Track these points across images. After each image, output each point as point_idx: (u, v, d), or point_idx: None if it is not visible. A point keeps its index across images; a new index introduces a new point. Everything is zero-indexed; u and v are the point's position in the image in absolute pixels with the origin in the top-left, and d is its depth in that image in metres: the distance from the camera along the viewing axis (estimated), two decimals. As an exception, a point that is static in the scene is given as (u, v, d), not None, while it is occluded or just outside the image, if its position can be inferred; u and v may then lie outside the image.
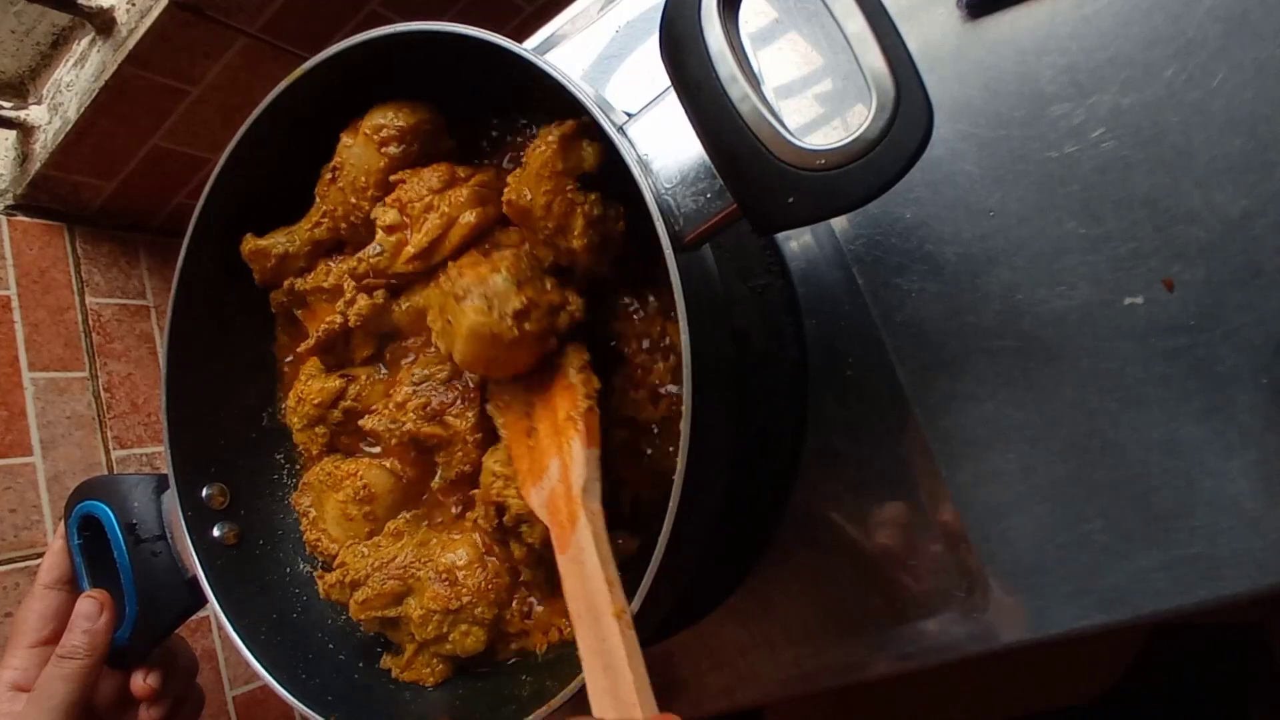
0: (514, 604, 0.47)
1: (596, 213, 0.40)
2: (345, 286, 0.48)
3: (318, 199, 0.50)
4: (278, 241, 0.51)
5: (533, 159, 0.41)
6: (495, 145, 0.51)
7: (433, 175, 0.46)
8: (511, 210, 0.42)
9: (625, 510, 0.44)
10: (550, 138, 0.40)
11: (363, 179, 0.47)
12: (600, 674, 0.34)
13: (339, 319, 0.48)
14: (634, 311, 0.44)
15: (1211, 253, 0.39)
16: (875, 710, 0.82)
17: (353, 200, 0.48)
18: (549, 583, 0.45)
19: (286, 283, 0.51)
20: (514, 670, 0.47)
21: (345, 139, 0.48)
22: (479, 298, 0.39)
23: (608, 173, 0.39)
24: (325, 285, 0.50)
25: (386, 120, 0.46)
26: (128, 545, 0.50)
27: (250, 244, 0.51)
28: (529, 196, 0.41)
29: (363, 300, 0.48)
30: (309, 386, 0.50)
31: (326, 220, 0.50)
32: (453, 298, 0.39)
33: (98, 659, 0.47)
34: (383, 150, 0.46)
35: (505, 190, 0.42)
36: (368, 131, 0.47)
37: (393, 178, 0.47)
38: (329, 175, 0.49)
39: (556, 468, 0.40)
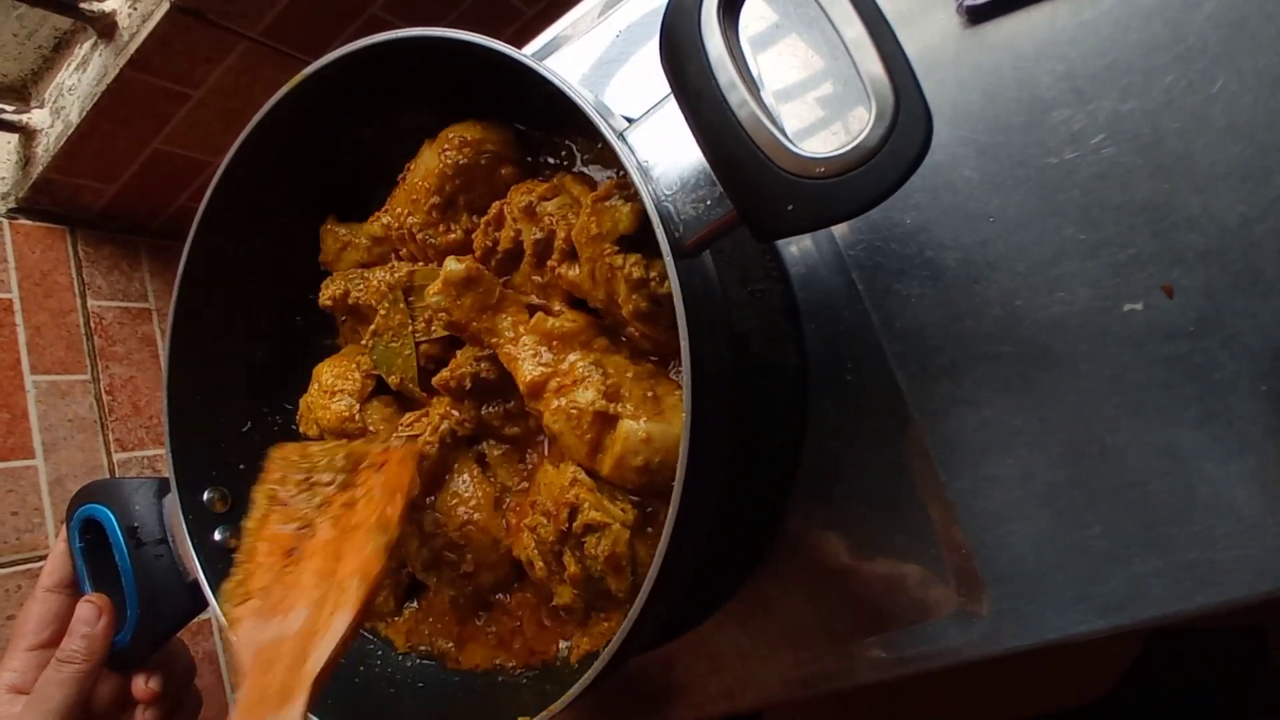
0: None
1: (637, 275, 0.38)
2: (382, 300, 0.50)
3: (389, 202, 0.51)
4: (351, 244, 0.53)
5: (575, 226, 0.40)
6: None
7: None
8: (567, 285, 0.42)
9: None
10: (584, 203, 0.39)
11: (420, 181, 0.48)
12: None
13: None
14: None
15: (1211, 259, 0.39)
16: (875, 714, 0.82)
17: (412, 200, 0.49)
18: (586, 612, 0.45)
19: (338, 290, 0.52)
20: (514, 675, 0.47)
21: (425, 147, 0.49)
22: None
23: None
24: (374, 299, 0.51)
25: (454, 134, 0.47)
26: (129, 549, 0.50)
27: (331, 227, 0.53)
28: (576, 270, 0.41)
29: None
30: (327, 409, 0.51)
31: (386, 218, 0.51)
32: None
33: (96, 663, 0.47)
34: (442, 155, 0.47)
35: (559, 267, 0.42)
36: (439, 141, 0.48)
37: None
38: (401, 175, 0.50)
39: (299, 622, 0.34)
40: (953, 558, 0.44)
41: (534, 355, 0.42)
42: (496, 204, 0.46)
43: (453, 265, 0.43)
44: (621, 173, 0.38)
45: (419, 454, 0.44)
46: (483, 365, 0.45)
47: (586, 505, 0.40)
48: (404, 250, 0.51)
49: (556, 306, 0.44)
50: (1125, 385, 0.41)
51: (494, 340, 0.43)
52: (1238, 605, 0.38)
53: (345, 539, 0.36)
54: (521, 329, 0.43)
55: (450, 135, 0.47)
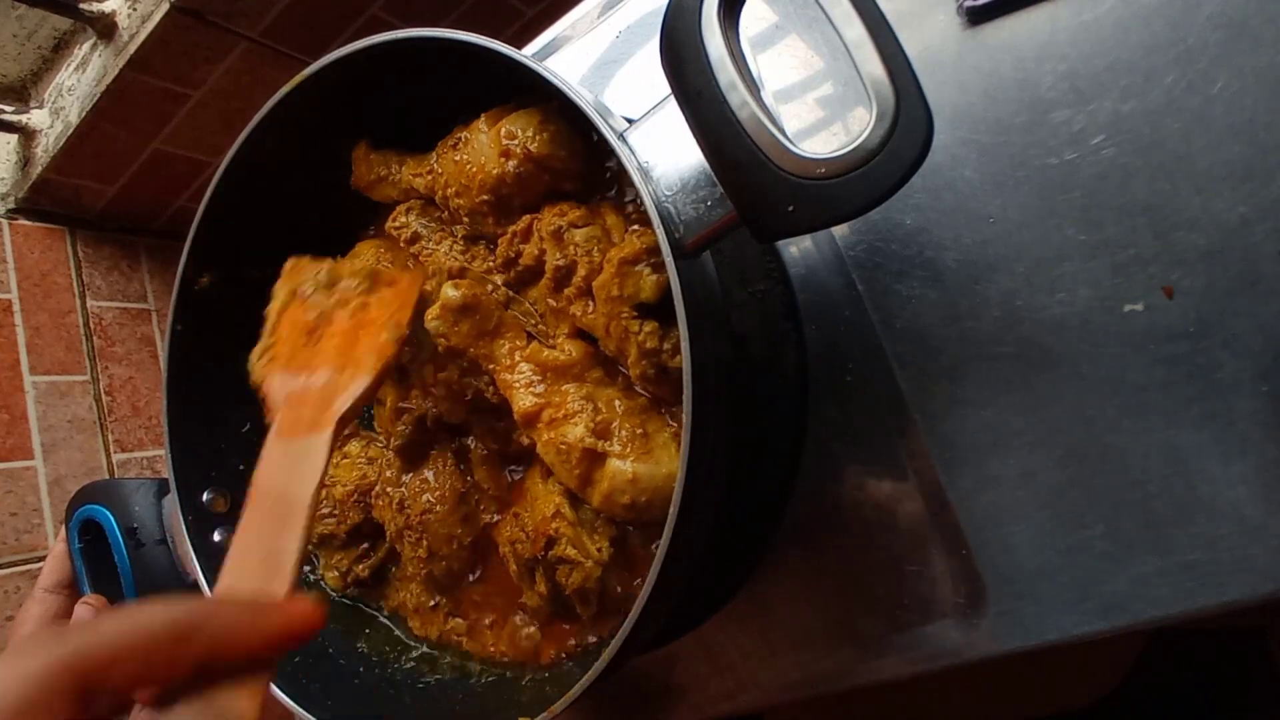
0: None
1: (650, 345, 0.38)
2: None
3: (435, 156, 0.48)
4: (390, 165, 0.51)
5: (603, 271, 0.39)
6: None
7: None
8: (582, 325, 0.42)
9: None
10: (610, 259, 0.39)
11: (473, 169, 0.45)
12: (255, 559, 0.32)
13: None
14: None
15: (1211, 259, 0.39)
16: (875, 714, 0.82)
17: (461, 183, 0.46)
18: (554, 618, 0.46)
19: None
20: (514, 675, 0.47)
21: (482, 122, 0.45)
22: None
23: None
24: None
25: (519, 132, 0.43)
26: (128, 549, 0.50)
27: (363, 149, 0.52)
28: (592, 315, 0.41)
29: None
30: None
31: (429, 179, 0.49)
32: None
33: None
34: (501, 158, 0.44)
35: (574, 305, 0.42)
36: (500, 133, 0.44)
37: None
38: (453, 141, 0.47)
39: (324, 379, 0.39)
40: (953, 558, 0.44)
41: (529, 385, 0.42)
42: (527, 218, 0.45)
43: (450, 291, 0.43)
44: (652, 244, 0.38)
45: (424, 279, 0.46)
46: (486, 383, 0.45)
47: (564, 540, 0.41)
48: (445, 214, 0.49)
49: (558, 336, 0.44)
50: (1126, 386, 0.41)
51: (491, 367, 0.43)
52: (1239, 606, 0.38)
53: (361, 328, 0.41)
54: (519, 355, 0.43)
55: (514, 138, 0.43)
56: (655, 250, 0.38)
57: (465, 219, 0.47)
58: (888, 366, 0.46)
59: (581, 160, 0.45)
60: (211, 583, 0.48)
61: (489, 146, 0.44)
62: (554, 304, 0.44)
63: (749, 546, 0.50)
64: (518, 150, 0.43)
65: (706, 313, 0.36)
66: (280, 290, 0.44)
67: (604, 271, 0.39)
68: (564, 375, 0.42)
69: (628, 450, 0.39)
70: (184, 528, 0.49)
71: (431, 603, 0.50)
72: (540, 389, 0.42)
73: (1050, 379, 0.42)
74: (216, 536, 0.50)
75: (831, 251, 0.48)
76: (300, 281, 0.44)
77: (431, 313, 0.44)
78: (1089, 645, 0.41)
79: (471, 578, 0.50)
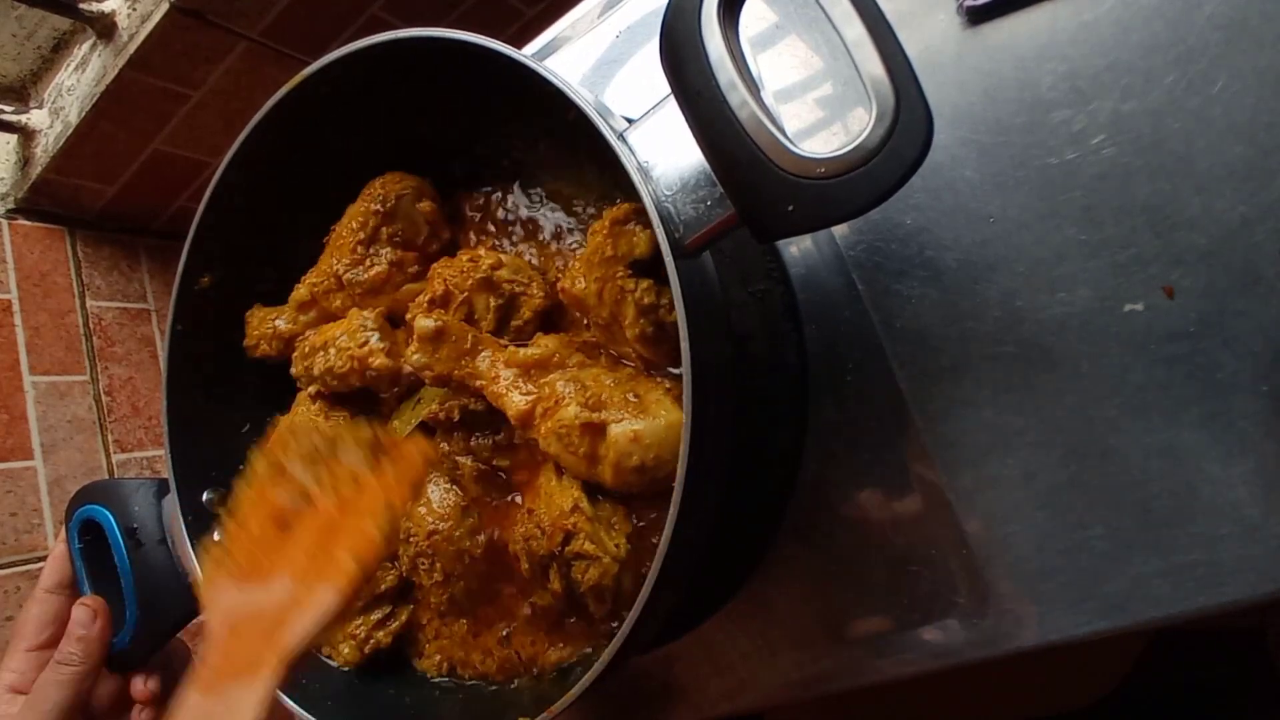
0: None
1: (648, 301, 0.39)
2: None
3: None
4: (276, 316, 0.54)
5: (587, 244, 0.41)
6: (495, 171, 0.52)
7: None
8: (567, 298, 0.43)
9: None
10: (602, 222, 0.40)
11: (344, 226, 0.52)
12: None
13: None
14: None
15: (1212, 259, 0.39)
16: (876, 715, 0.82)
17: (337, 250, 0.52)
18: (560, 618, 0.46)
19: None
20: (513, 675, 0.47)
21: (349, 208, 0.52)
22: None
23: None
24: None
25: (374, 183, 0.51)
26: (128, 549, 0.50)
27: (256, 313, 0.54)
28: (582, 284, 0.41)
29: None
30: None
31: (310, 279, 0.53)
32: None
33: (93, 665, 0.47)
34: (364, 196, 0.51)
35: (561, 279, 0.43)
36: (362, 192, 0.51)
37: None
38: (327, 238, 0.53)
39: (281, 594, 0.32)
40: (954, 558, 0.44)
41: (516, 387, 0.43)
42: (439, 281, 0.48)
43: (423, 322, 0.44)
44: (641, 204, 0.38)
45: (435, 456, 0.45)
46: (470, 399, 0.46)
47: (582, 535, 0.40)
48: (336, 303, 0.52)
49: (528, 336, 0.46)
50: (1126, 386, 0.41)
51: (479, 383, 0.44)
52: (1239, 606, 0.38)
53: (346, 518, 0.35)
54: (500, 365, 0.44)
55: (371, 183, 0.51)
56: (642, 211, 0.38)
57: (345, 278, 0.51)
58: (888, 366, 0.46)
59: (431, 187, 0.52)
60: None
61: (353, 207, 0.52)
62: (504, 340, 0.46)
63: (749, 546, 0.50)
64: (375, 187, 0.51)
65: (706, 312, 0.36)
66: (260, 462, 0.38)
67: (595, 236, 0.40)
68: (545, 368, 0.43)
69: (623, 414, 0.39)
70: (184, 528, 0.49)
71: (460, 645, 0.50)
72: (528, 387, 0.42)
73: (1051, 379, 0.42)
74: (216, 536, 0.50)
75: (831, 251, 0.48)
76: (289, 452, 0.37)
77: (412, 348, 0.44)
78: (1089, 645, 0.41)
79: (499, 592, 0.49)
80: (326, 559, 0.33)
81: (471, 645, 0.49)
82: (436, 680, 0.49)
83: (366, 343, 0.48)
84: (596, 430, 0.39)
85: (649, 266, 0.39)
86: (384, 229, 0.51)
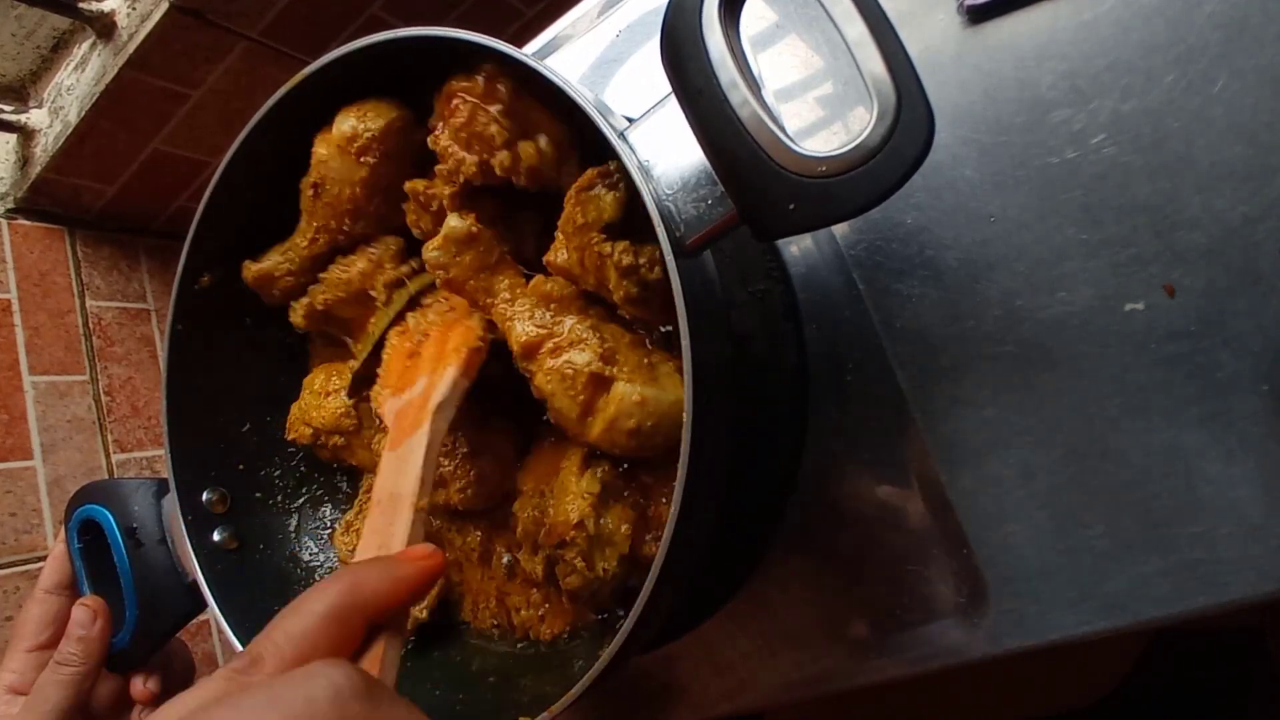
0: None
1: (627, 261, 0.38)
2: (374, 288, 0.49)
3: (304, 215, 0.49)
4: (278, 263, 0.50)
5: (561, 215, 0.40)
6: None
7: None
8: (556, 271, 0.42)
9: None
10: (570, 192, 0.39)
11: (347, 191, 0.47)
12: (373, 549, 0.36)
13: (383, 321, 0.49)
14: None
15: (1212, 259, 0.39)
16: (876, 714, 0.82)
17: (346, 209, 0.48)
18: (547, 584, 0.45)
19: (305, 302, 0.50)
20: (514, 674, 0.47)
21: (319, 149, 0.47)
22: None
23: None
24: (345, 295, 0.49)
25: (357, 128, 0.45)
26: (128, 549, 0.50)
27: (251, 270, 0.50)
28: (565, 256, 0.41)
29: (399, 295, 0.48)
30: (322, 409, 0.51)
31: (322, 235, 0.49)
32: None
33: (93, 665, 0.47)
34: (361, 160, 0.46)
35: (546, 254, 0.42)
36: (340, 143, 0.46)
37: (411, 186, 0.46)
38: (311, 191, 0.48)
39: (422, 384, 0.43)
40: (954, 558, 0.44)
41: (530, 316, 0.42)
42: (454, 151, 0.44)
43: (455, 222, 0.43)
44: (605, 166, 0.39)
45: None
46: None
47: (575, 550, 0.40)
48: (343, 238, 0.50)
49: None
50: (1127, 385, 0.41)
51: (489, 300, 0.43)
52: (1240, 606, 0.38)
53: (450, 327, 0.45)
54: (519, 291, 0.43)
55: (355, 131, 0.45)
56: (608, 173, 0.39)
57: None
58: (888, 366, 0.46)
59: (412, 115, 0.47)
60: (211, 584, 0.48)
61: (341, 163, 0.46)
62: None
63: (749, 546, 0.50)
64: (365, 140, 0.46)
65: (707, 312, 0.36)
66: (384, 321, 0.48)
67: (566, 206, 0.39)
68: (567, 307, 0.42)
69: (635, 376, 0.39)
70: (184, 528, 0.49)
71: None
72: (543, 318, 0.42)
73: (1051, 379, 0.42)
74: (216, 536, 0.50)
75: (832, 251, 0.48)
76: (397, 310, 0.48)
77: (434, 243, 0.44)
78: (1089, 645, 0.41)
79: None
80: (445, 354, 0.43)
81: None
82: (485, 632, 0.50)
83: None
84: (603, 383, 0.39)
85: (623, 227, 0.39)
86: (395, 182, 0.47)
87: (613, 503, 0.42)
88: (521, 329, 0.42)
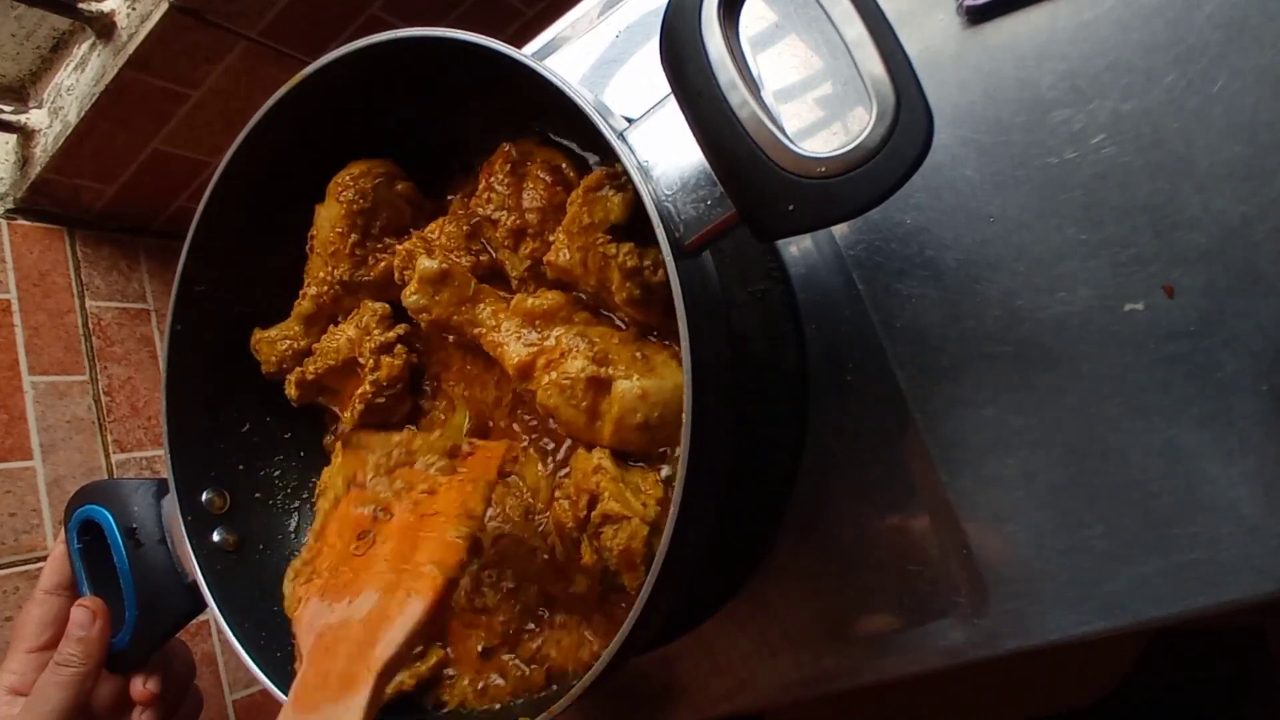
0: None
1: (631, 264, 0.39)
2: (362, 354, 0.49)
3: (305, 277, 0.52)
4: (281, 331, 0.52)
5: (566, 214, 0.40)
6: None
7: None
8: (555, 271, 0.42)
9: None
10: (577, 191, 0.39)
11: (332, 235, 0.50)
12: None
13: (369, 388, 0.49)
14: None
15: (1212, 259, 0.39)
16: (876, 715, 0.82)
17: (332, 250, 0.50)
18: (598, 603, 0.44)
19: (298, 372, 0.51)
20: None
21: (318, 210, 0.51)
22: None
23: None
24: (336, 363, 0.50)
25: (340, 176, 0.49)
26: (127, 550, 0.50)
27: (257, 336, 0.53)
28: (566, 255, 0.41)
29: (385, 362, 0.49)
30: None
31: (313, 288, 0.51)
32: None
33: (93, 666, 0.47)
34: (339, 199, 0.49)
35: (547, 254, 0.42)
36: (330, 192, 0.49)
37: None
38: (309, 246, 0.51)
39: (369, 605, 0.31)
40: (954, 558, 0.44)
41: (518, 337, 0.42)
42: (483, 188, 0.46)
43: (425, 263, 0.43)
44: (611, 168, 0.38)
45: (513, 448, 0.44)
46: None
47: (607, 495, 0.38)
48: (345, 306, 0.52)
49: (534, 290, 0.45)
50: (1126, 385, 0.41)
51: (477, 331, 0.43)
52: (1239, 606, 0.38)
53: (424, 525, 0.35)
54: (501, 315, 0.43)
55: (338, 180, 0.49)
56: (616, 175, 0.39)
57: (352, 281, 0.51)
58: (888, 366, 0.46)
59: (399, 167, 0.50)
60: (211, 584, 0.48)
61: (329, 208, 0.50)
62: (522, 254, 0.44)
63: (749, 546, 0.50)
64: (345, 182, 0.49)
65: (707, 312, 0.36)
66: (335, 478, 0.39)
67: (572, 206, 0.39)
68: (552, 320, 0.42)
69: (631, 370, 0.39)
70: (183, 528, 0.49)
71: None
72: (531, 337, 0.42)
73: (1050, 379, 0.42)
74: (215, 536, 0.50)
75: (832, 251, 0.48)
76: (363, 464, 0.38)
77: (410, 289, 0.44)
78: (1089, 645, 0.41)
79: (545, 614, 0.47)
80: (411, 569, 0.32)
81: (490, 666, 0.47)
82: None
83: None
84: (602, 385, 0.39)
85: (629, 229, 0.39)
86: (374, 224, 0.50)
87: (631, 463, 0.42)
88: (513, 351, 0.42)
